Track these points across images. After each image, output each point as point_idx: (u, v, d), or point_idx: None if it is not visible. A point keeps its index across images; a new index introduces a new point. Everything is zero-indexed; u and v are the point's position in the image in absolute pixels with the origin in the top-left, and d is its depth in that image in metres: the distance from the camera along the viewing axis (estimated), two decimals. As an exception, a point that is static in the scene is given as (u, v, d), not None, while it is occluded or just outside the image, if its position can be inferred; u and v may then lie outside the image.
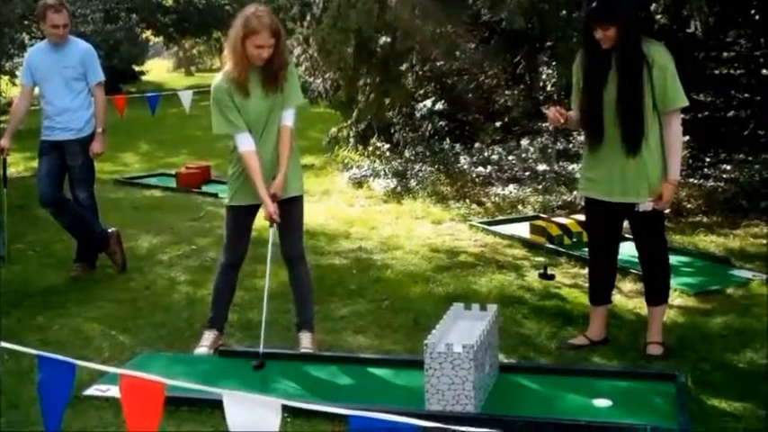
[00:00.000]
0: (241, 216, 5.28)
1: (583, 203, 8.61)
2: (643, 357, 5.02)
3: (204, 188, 10.88)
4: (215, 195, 10.32)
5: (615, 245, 5.29)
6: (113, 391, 4.56)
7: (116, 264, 7.05)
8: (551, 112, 5.18)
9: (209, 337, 5.35)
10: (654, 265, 5.16)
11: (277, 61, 4.95)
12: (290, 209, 5.27)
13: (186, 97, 12.61)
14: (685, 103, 4.86)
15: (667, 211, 5.46)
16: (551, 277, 6.12)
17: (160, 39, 36.66)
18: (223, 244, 5.46)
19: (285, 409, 2.75)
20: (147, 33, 34.41)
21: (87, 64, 6.83)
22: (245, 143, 5.02)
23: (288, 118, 5.10)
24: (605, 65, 4.91)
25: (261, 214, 5.26)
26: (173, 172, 11.65)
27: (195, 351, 5.28)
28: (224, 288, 5.43)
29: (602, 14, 4.80)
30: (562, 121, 5.17)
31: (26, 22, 19.77)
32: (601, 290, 5.33)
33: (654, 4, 9.02)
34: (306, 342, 5.26)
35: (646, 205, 4.94)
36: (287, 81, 5.05)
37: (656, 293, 5.16)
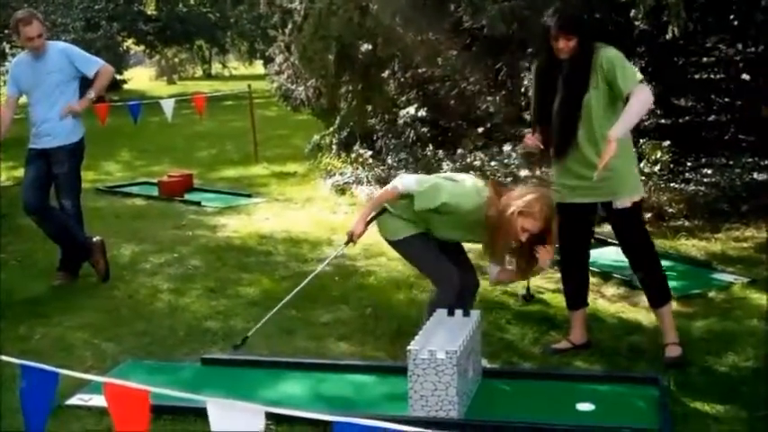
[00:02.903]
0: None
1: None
2: (664, 361, 4.99)
3: (187, 196, 10.86)
4: (197, 203, 10.32)
5: (587, 248, 5.36)
6: (95, 401, 4.56)
7: (99, 273, 7.02)
8: (530, 140, 5.24)
9: None
10: (645, 266, 5.16)
11: None
12: None
13: (168, 106, 12.61)
14: (640, 76, 4.91)
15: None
16: (531, 298, 6.16)
17: (142, 47, 36.64)
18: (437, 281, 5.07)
19: (268, 415, 2.75)
20: (129, 42, 34.36)
21: (75, 60, 6.82)
22: None
23: None
24: (556, 76, 5.02)
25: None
26: (155, 180, 11.61)
27: None
28: None
29: (566, 24, 4.91)
30: (542, 146, 5.22)
31: (6, 31, 19.69)
32: (577, 294, 5.37)
33: (633, 10, 9.04)
34: None
35: (622, 202, 4.98)
36: None
37: (657, 294, 5.15)
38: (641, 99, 4.82)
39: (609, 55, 4.90)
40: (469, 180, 4.94)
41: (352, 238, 5.04)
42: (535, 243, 4.75)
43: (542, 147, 5.19)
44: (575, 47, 4.90)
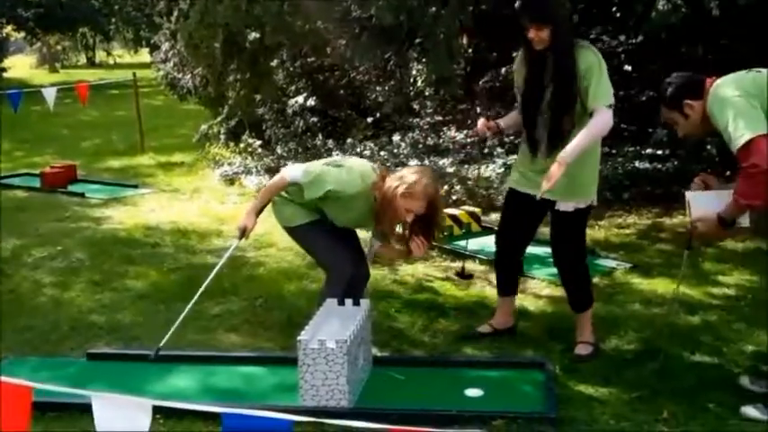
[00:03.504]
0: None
1: (454, 198, 8.78)
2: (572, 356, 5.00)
3: (70, 188, 10.59)
4: (81, 195, 10.08)
5: (527, 241, 5.28)
6: (-25, 399, 4.41)
7: (-23, 267, 6.81)
8: (479, 125, 5.13)
9: None
10: (571, 275, 5.13)
11: None
12: None
13: (50, 94, 12.30)
14: (607, 102, 4.68)
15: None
16: (469, 277, 6.16)
17: (22, 34, 35.57)
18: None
19: (157, 409, 2.71)
20: (8, 29, 33.31)
21: None
22: None
23: None
24: (542, 67, 4.81)
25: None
26: (37, 172, 11.28)
27: None
28: None
29: (536, 12, 4.71)
30: (489, 134, 5.16)
31: None
32: (509, 282, 5.35)
33: (518, 1, 9.20)
34: None
35: (565, 205, 4.89)
36: None
37: (580, 302, 5.14)
38: (599, 124, 4.66)
39: (589, 60, 4.71)
40: (358, 165, 4.92)
41: (244, 233, 4.99)
42: (424, 223, 4.77)
43: (490, 133, 5.13)
44: (548, 38, 4.68)
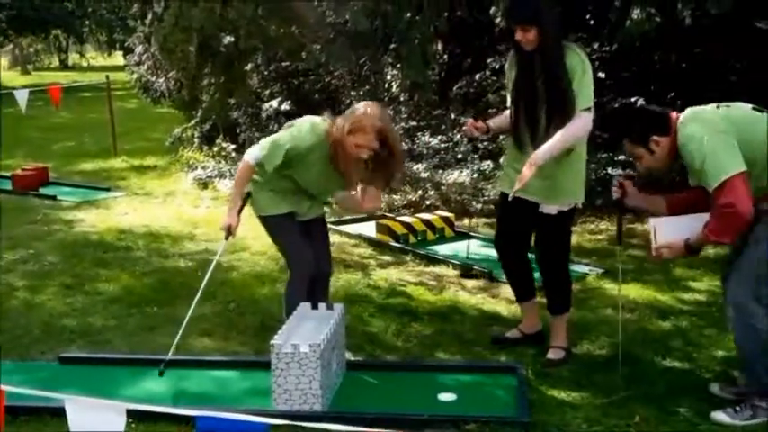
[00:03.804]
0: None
1: (428, 203, 8.81)
2: (543, 361, 5.00)
3: (42, 190, 10.52)
4: (53, 198, 10.02)
5: (525, 243, 5.20)
6: (-55, 403, 4.37)
7: (-53, 270, 6.75)
8: (468, 125, 5.09)
9: None
10: (552, 276, 5.11)
11: None
12: None
13: (22, 96, 12.23)
14: (585, 105, 4.67)
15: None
16: (475, 276, 6.18)
17: (-7, 36, 35.31)
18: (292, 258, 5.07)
19: (130, 413, 2.70)
20: (-21, 30, 33.07)
21: None
22: None
23: None
24: (531, 68, 4.78)
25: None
26: (8, 174, 11.19)
27: None
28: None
29: (522, 14, 4.70)
30: (477, 134, 5.10)
31: None
32: (521, 286, 5.30)
33: (493, 8, 9.24)
34: None
35: (549, 208, 4.89)
36: None
37: (558, 304, 5.13)
38: (575, 127, 4.66)
39: (572, 62, 4.68)
40: (306, 119, 4.91)
41: (230, 231, 4.98)
42: (380, 167, 4.78)
43: (478, 133, 5.07)
44: (536, 39, 4.65)
